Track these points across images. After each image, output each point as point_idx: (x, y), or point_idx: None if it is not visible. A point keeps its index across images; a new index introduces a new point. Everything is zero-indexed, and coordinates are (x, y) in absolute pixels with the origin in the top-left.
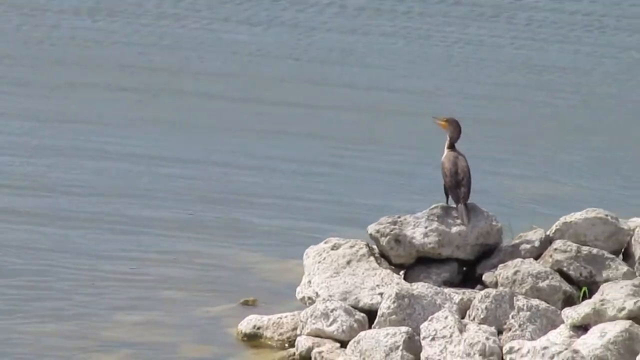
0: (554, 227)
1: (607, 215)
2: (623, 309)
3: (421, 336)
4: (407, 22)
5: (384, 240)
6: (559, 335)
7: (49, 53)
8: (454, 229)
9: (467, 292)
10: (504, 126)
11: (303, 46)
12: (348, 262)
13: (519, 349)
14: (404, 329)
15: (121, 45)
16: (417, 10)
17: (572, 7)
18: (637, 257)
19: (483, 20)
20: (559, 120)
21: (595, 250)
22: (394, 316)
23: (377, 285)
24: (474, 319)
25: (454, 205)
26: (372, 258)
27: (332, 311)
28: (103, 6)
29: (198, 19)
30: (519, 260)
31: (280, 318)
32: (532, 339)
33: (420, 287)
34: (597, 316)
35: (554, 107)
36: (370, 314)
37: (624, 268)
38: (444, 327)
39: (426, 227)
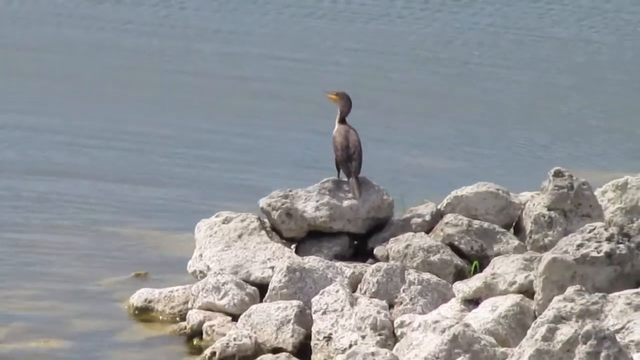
0: (445, 201)
1: (497, 190)
2: (514, 282)
3: (312, 310)
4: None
5: (275, 214)
6: (450, 309)
7: None
8: (346, 203)
9: (359, 266)
10: (397, 99)
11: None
12: (239, 236)
13: (410, 323)
14: (295, 302)
15: None
16: None
17: None
18: (527, 231)
19: None
20: (450, 94)
21: (486, 224)
22: (285, 290)
23: (269, 259)
24: (365, 292)
25: (346, 179)
26: (263, 232)
27: (223, 285)
28: None
29: None
30: (410, 234)
31: (172, 292)
32: (424, 312)
33: (311, 261)
34: (488, 290)
35: (447, 79)
36: (262, 288)
37: (515, 242)
38: (335, 301)
39: (317, 201)
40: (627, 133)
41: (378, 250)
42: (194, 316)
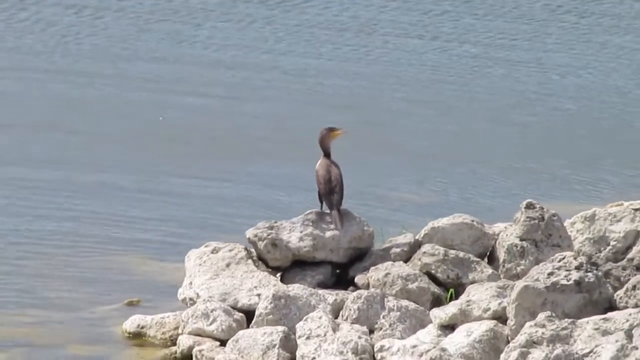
0: (422, 232)
1: (472, 221)
2: (488, 309)
3: (297, 335)
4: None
5: (261, 244)
6: (427, 335)
7: None
8: (328, 234)
9: (341, 294)
10: (375, 134)
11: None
12: (227, 265)
13: (389, 347)
14: (280, 328)
15: None
16: None
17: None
18: (501, 260)
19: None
20: (426, 129)
21: (461, 254)
22: (270, 316)
23: (255, 287)
24: (346, 318)
25: (328, 211)
26: (250, 261)
27: (212, 311)
28: None
29: None
30: (389, 263)
31: (163, 318)
32: (402, 337)
33: (295, 289)
34: (464, 316)
35: (422, 116)
36: (249, 314)
37: (489, 270)
38: (319, 327)
39: (301, 232)
40: (594, 167)
41: (359, 279)
42: (184, 341)
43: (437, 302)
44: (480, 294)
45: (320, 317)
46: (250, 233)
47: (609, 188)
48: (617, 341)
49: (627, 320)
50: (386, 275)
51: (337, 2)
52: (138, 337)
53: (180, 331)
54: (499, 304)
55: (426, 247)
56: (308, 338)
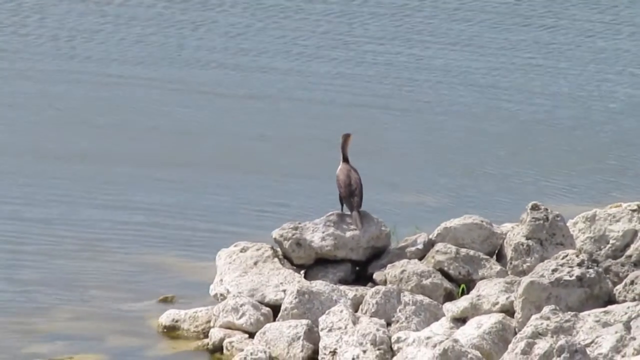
0: (435, 232)
1: (482, 221)
2: (497, 303)
3: (319, 328)
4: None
5: (286, 244)
6: (440, 327)
7: None
8: (348, 234)
9: (360, 289)
10: (389, 145)
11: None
12: (255, 263)
13: (405, 339)
14: (304, 321)
15: None
16: None
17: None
18: (508, 258)
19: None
20: (433, 137)
21: (472, 252)
22: (295, 310)
23: (281, 283)
24: (365, 312)
25: (348, 213)
26: (276, 259)
27: (241, 306)
28: None
29: None
30: (405, 260)
31: (196, 312)
32: (417, 330)
33: (318, 285)
34: (474, 310)
35: (431, 124)
36: (275, 309)
37: (497, 267)
38: (340, 320)
39: (323, 232)
40: (596, 170)
41: (377, 275)
42: (216, 334)
43: (449, 296)
44: (490, 289)
45: (341, 311)
46: (276, 233)
47: (609, 191)
48: (616, 332)
49: (626, 313)
50: (402, 272)
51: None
52: (173, 330)
53: (211, 324)
54: (507, 298)
55: (439, 246)
56: (330, 330)
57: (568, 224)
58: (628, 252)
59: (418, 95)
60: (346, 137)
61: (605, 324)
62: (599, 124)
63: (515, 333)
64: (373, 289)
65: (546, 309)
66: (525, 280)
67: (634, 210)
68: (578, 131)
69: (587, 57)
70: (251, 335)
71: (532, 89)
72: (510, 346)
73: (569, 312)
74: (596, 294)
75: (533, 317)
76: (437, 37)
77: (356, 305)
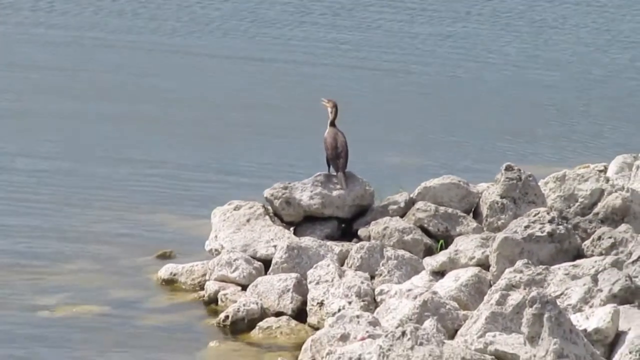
0: (416, 191)
1: (459, 181)
2: (473, 257)
3: (308, 280)
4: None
5: (277, 202)
6: (421, 280)
7: None
8: (335, 193)
9: (346, 245)
10: (374, 107)
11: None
12: (248, 220)
13: (388, 291)
14: (293, 275)
15: None
16: None
17: None
18: (484, 215)
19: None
20: (419, 99)
21: (450, 210)
22: (285, 264)
23: (272, 239)
24: (351, 266)
25: (335, 173)
26: (267, 217)
27: (234, 260)
28: None
29: None
30: (387, 218)
31: (192, 266)
32: (399, 282)
33: (307, 241)
34: (452, 264)
35: (418, 89)
36: (266, 263)
37: (474, 224)
38: (327, 273)
39: (311, 192)
40: (566, 133)
41: (361, 232)
42: (211, 286)
43: (429, 251)
44: (466, 245)
45: (328, 265)
46: (267, 192)
47: (578, 152)
48: (584, 285)
49: (593, 267)
50: (385, 228)
51: None
52: (171, 283)
53: (207, 278)
54: (483, 253)
55: (419, 204)
56: (317, 283)
57: (540, 184)
58: (595, 210)
59: (407, 59)
60: (334, 105)
61: (574, 277)
62: (574, 95)
63: (490, 285)
64: (358, 245)
65: (519, 263)
66: (500, 236)
67: (601, 171)
68: (552, 108)
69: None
70: (244, 287)
71: (520, 62)
72: (485, 298)
73: (540, 266)
74: (565, 248)
75: (507, 270)
76: (434, 9)
77: (342, 259)
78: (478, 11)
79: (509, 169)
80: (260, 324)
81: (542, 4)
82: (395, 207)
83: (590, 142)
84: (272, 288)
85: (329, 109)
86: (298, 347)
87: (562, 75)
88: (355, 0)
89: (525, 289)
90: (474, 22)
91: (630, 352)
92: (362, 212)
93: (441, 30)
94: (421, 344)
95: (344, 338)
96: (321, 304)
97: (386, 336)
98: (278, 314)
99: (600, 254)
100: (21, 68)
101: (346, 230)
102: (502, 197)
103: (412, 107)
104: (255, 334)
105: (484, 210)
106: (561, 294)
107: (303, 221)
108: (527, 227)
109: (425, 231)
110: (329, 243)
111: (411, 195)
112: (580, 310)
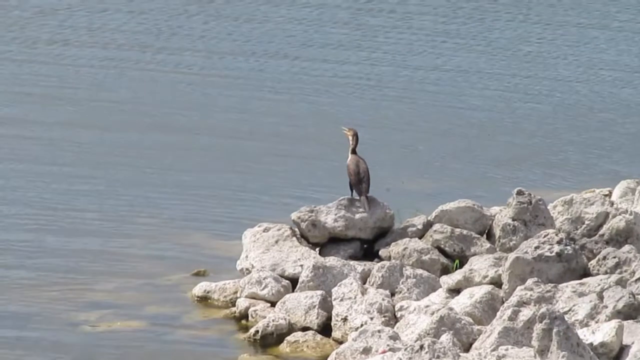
0: (433, 214)
1: (474, 205)
2: (486, 276)
3: (332, 297)
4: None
5: (303, 225)
6: (438, 297)
7: None
8: (357, 216)
9: (368, 264)
10: (392, 135)
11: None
12: (276, 241)
13: (407, 307)
14: (319, 292)
15: None
16: None
17: None
18: (496, 237)
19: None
20: (432, 128)
21: (465, 232)
22: (311, 282)
23: (299, 259)
24: (372, 284)
25: (357, 198)
26: (294, 238)
27: (264, 279)
28: None
29: None
30: (407, 239)
31: (225, 284)
32: (418, 299)
33: (331, 260)
34: (467, 282)
35: (432, 118)
36: (294, 281)
37: (487, 245)
38: (350, 291)
39: (336, 214)
40: (573, 160)
41: (382, 252)
42: (242, 303)
43: (445, 270)
44: (480, 264)
45: (351, 283)
46: (294, 215)
47: (584, 177)
48: (590, 301)
49: (599, 285)
50: (404, 249)
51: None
52: (204, 300)
53: (238, 295)
54: (495, 272)
55: (436, 226)
56: (342, 300)
57: (549, 207)
58: (601, 232)
59: (423, 87)
60: (355, 134)
61: (581, 294)
62: (584, 122)
63: (503, 302)
64: (379, 264)
65: (529, 281)
66: (512, 256)
67: (605, 195)
68: (560, 127)
69: (580, 57)
70: (273, 304)
71: (529, 89)
72: (498, 313)
73: (549, 284)
74: (573, 268)
75: (518, 288)
76: (450, 37)
77: (364, 278)
78: (485, 45)
79: (520, 193)
80: (288, 338)
81: (535, 35)
82: (414, 229)
83: (595, 168)
84: (299, 304)
85: (350, 138)
86: (324, 359)
87: (552, 105)
88: (368, 32)
89: (535, 305)
90: (476, 53)
91: None
92: (383, 234)
93: (447, 61)
94: (438, 357)
95: (366, 351)
96: (345, 319)
97: (405, 349)
98: (305, 329)
99: (606, 272)
100: (65, 100)
101: (368, 250)
102: (513, 220)
103: (426, 135)
104: (283, 347)
105: (497, 232)
106: (569, 310)
107: (328, 242)
108: (537, 247)
109: (442, 251)
110: (352, 262)
111: (429, 218)
112: (586, 325)
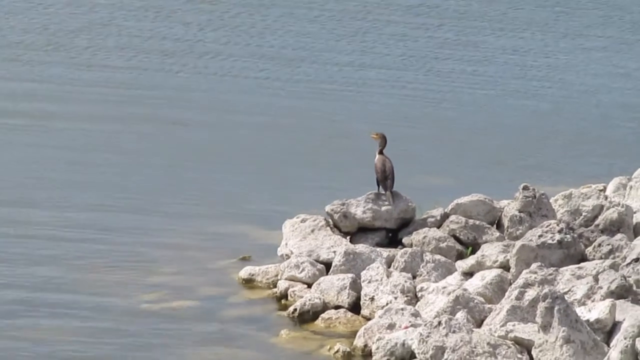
0: (449, 206)
1: (485, 198)
2: (496, 261)
3: (361, 280)
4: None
5: (336, 216)
6: (453, 279)
7: None
8: (383, 208)
9: (392, 251)
10: (413, 137)
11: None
12: (312, 231)
13: (427, 288)
14: (350, 275)
15: None
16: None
17: None
18: (505, 227)
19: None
20: (448, 129)
21: (477, 222)
22: (343, 267)
23: (332, 246)
24: (396, 268)
25: (383, 192)
26: (328, 228)
27: (301, 263)
28: None
29: None
30: (426, 228)
31: (267, 268)
32: (436, 281)
33: (360, 247)
34: (479, 266)
35: (442, 119)
36: (327, 266)
37: (497, 234)
38: (377, 274)
39: (364, 207)
40: (574, 158)
41: (405, 240)
42: (282, 284)
43: (460, 256)
44: (491, 250)
45: (378, 267)
46: (328, 208)
47: (581, 174)
48: (587, 283)
49: (595, 268)
50: (424, 237)
51: None
52: (249, 282)
53: (279, 277)
54: (504, 257)
55: (452, 217)
56: (369, 282)
57: (551, 201)
58: (596, 222)
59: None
60: (383, 137)
61: (579, 277)
62: (587, 122)
63: (510, 284)
64: (402, 250)
65: (534, 266)
66: (518, 243)
67: (601, 190)
68: (566, 132)
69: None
70: (309, 285)
71: (538, 91)
72: (506, 294)
73: (551, 268)
74: (572, 254)
75: (524, 271)
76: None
77: (389, 262)
78: (497, 53)
79: (525, 188)
80: (323, 315)
81: (526, 41)
82: (432, 219)
83: (592, 166)
84: (332, 286)
85: (378, 141)
86: (353, 334)
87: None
88: (399, 35)
89: (539, 286)
90: (489, 61)
91: (624, 338)
92: (406, 224)
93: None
94: (454, 331)
95: (391, 327)
96: (372, 299)
97: (425, 325)
98: (337, 307)
99: (601, 258)
100: (107, 118)
101: (393, 238)
102: (520, 212)
103: (445, 137)
104: (318, 323)
105: (505, 222)
106: (568, 290)
107: (357, 231)
108: (540, 236)
109: (457, 239)
110: (378, 249)
111: (446, 210)
112: (584, 304)
